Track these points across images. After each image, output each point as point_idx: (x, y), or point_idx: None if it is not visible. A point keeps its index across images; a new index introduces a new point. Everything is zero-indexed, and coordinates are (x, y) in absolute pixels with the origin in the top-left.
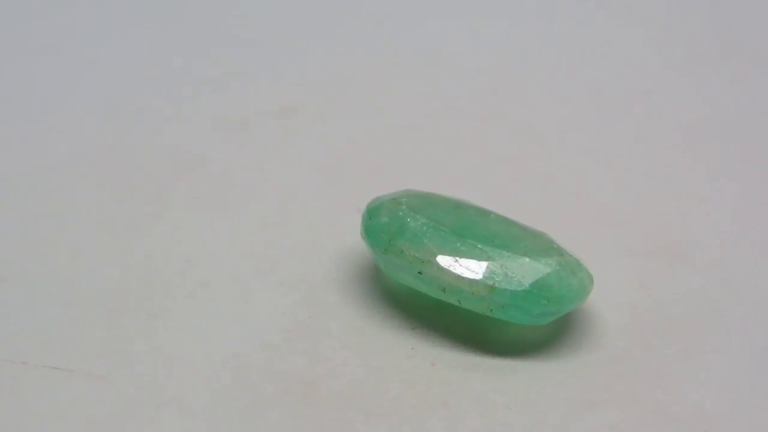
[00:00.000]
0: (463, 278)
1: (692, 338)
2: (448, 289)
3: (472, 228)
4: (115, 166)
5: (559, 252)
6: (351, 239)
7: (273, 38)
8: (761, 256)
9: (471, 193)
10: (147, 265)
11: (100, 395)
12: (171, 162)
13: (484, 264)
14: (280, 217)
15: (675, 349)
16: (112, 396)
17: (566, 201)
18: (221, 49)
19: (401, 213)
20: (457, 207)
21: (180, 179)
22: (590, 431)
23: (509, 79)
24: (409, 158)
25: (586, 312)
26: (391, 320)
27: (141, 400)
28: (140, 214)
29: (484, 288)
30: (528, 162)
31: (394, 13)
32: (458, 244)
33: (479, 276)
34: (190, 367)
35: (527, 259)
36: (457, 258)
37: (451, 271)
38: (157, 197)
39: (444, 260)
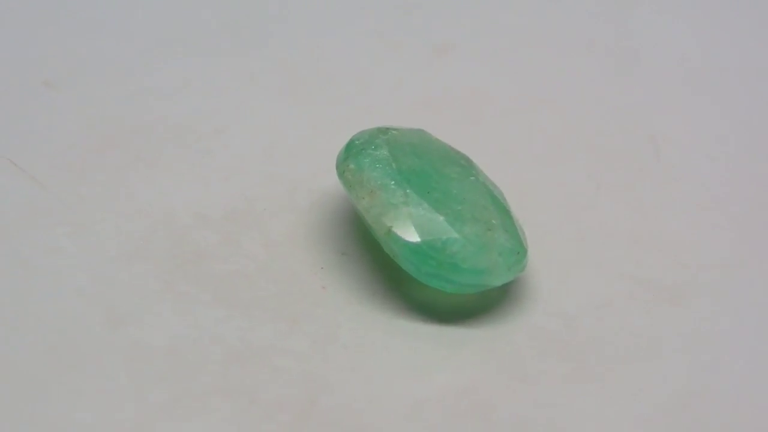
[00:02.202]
0: (370, 212)
1: (594, 369)
2: (364, 220)
3: (427, 178)
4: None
5: (491, 227)
6: None
7: None
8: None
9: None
10: (176, 117)
11: (27, 196)
12: (279, 52)
13: (397, 207)
14: (333, 122)
15: (563, 370)
16: (35, 200)
17: (604, 209)
18: None
19: (377, 140)
20: (443, 158)
21: (275, 63)
22: (392, 395)
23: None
24: (519, 120)
25: (520, 307)
26: (332, 240)
27: (55, 215)
28: (206, 72)
29: (382, 228)
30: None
31: None
32: (392, 183)
33: (382, 215)
34: (123, 208)
35: (442, 218)
36: (376, 192)
37: (363, 201)
38: (237, 66)
39: (363, 190)
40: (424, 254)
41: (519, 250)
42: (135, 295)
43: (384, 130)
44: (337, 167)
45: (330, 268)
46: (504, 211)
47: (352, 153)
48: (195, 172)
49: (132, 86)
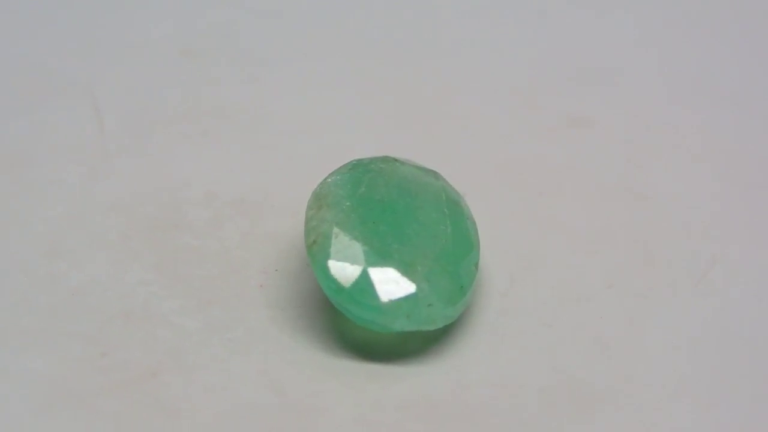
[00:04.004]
0: (308, 223)
1: None
2: None
3: (389, 211)
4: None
5: (409, 272)
6: None
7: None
8: None
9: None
10: (258, 108)
11: (81, 130)
12: (402, 76)
13: (330, 225)
14: (407, 154)
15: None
16: (83, 136)
17: (597, 307)
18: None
19: (372, 165)
20: (427, 201)
21: (390, 87)
22: (224, 396)
23: None
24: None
25: (425, 362)
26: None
27: (85, 154)
28: (311, 73)
29: (309, 240)
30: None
31: None
32: (346, 204)
33: (314, 228)
34: (146, 170)
35: (364, 248)
36: (324, 207)
37: (310, 211)
38: (349, 78)
39: (317, 202)
40: (329, 276)
41: (431, 303)
42: (88, 239)
43: (390, 160)
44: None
45: (284, 272)
46: (443, 266)
47: (344, 169)
48: (238, 158)
49: (241, 71)
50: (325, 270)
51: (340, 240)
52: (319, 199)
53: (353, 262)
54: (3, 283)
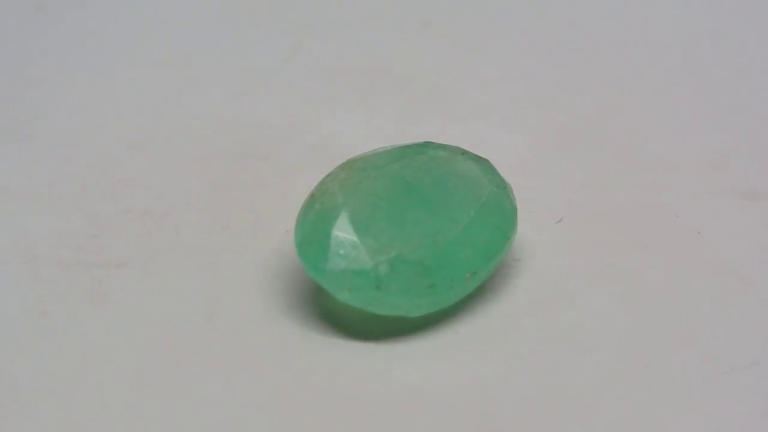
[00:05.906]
0: (324, 179)
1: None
2: None
3: (411, 193)
4: None
5: (373, 249)
6: None
7: None
8: None
9: None
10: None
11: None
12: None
13: (336, 186)
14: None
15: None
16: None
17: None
18: None
19: (431, 151)
20: (464, 199)
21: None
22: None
23: None
24: None
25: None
26: None
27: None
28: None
29: (313, 191)
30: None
31: None
32: (373, 173)
33: (323, 184)
34: (259, 113)
35: (342, 214)
36: (347, 169)
37: (334, 170)
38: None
39: (345, 163)
40: (300, 229)
41: (380, 287)
42: (173, 148)
43: (457, 152)
44: None
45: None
46: (421, 259)
47: (404, 144)
48: (369, 123)
49: (444, 46)
50: (302, 222)
51: (332, 200)
52: (351, 161)
53: (326, 222)
54: (65, 154)
